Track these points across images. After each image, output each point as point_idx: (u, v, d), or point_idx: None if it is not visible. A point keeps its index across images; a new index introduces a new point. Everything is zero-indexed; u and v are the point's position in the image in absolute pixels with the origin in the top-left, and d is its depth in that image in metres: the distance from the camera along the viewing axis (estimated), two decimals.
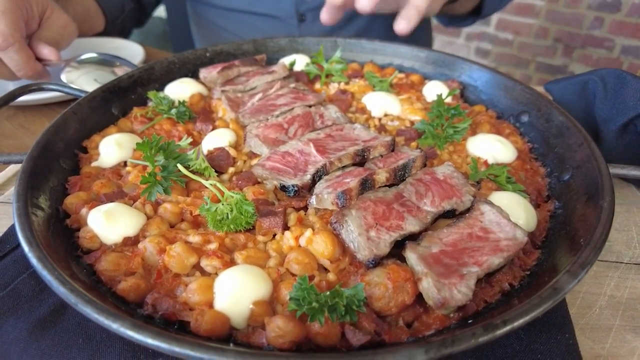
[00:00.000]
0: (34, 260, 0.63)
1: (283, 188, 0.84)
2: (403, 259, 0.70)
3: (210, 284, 0.65)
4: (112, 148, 0.98)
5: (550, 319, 0.68)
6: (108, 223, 0.75)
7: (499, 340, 0.64)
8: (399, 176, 0.84)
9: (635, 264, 0.77)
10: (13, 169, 1.17)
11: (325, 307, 0.61)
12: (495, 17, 3.99)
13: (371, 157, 0.91)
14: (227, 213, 0.75)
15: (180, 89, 1.24)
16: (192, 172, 0.91)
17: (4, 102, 1.12)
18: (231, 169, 0.95)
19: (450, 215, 0.79)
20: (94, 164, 0.97)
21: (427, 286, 0.64)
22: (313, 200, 0.79)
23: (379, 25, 1.97)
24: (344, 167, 0.89)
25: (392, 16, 1.27)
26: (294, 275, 0.70)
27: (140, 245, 0.73)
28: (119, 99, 1.18)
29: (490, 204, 0.77)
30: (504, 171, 0.90)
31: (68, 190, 0.90)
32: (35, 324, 0.69)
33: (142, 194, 0.83)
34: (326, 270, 0.72)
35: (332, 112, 1.07)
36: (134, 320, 0.54)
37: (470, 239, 0.72)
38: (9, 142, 1.34)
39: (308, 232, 0.73)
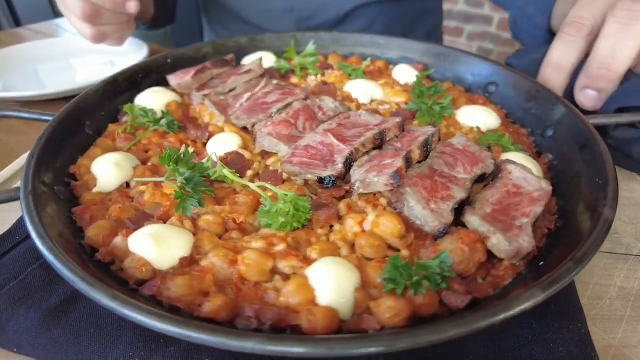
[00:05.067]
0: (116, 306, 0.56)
1: (321, 180, 0.84)
2: (460, 225, 0.76)
3: (306, 282, 0.64)
4: (111, 170, 0.89)
5: (562, 309, 0.70)
6: (159, 247, 0.68)
7: (511, 329, 0.67)
8: (424, 152, 0.89)
9: None
10: (20, 162, 1.17)
11: (421, 279, 0.64)
12: (497, 17, 4.04)
13: (387, 139, 0.95)
14: (287, 212, 0.73)
15: (153, 99, 1.16)
16: (214, 181, 0.87)
17: None
18: (249, 172, 0.92)
19: (481, 180, 0.86)
20: (95, 190, 0.87)
21: (497, 242, 0.71)
22: (358, 186, 0.80)
23: (379, 25, 2.03)
24: (367, 152, 0.92)
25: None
26: (369, 259, 0.71)
27: (204, 263, 0.68)
28: (90, 117, 1.06)
29: (514, 163, 0.86)
30: (506, 135, 1.00)
31: (78, 222, 0.80)
32: (46, 313, 0.69)
33: (177, 210, 0.77)
34: (395, 249, 0.74)
35: (329, 103, 1.09)
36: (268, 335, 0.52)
37: (508, 196, 0.80)
38: (17, 138, 1.37)
39: (371, 216, 0.75)
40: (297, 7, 1.94)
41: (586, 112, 1.03)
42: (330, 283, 0.63)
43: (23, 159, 1.18)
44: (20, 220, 0.90)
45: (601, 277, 0.77)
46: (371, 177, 0.79)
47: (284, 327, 0.60)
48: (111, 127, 1.08)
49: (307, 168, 0.87)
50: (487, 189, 0.81)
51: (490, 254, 0.73)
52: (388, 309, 0.61)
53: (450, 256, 0.69)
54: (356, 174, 0.84)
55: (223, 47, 1.43)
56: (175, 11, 2.18)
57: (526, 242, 0.71)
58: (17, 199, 0.79)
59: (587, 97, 1.10)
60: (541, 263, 0.70)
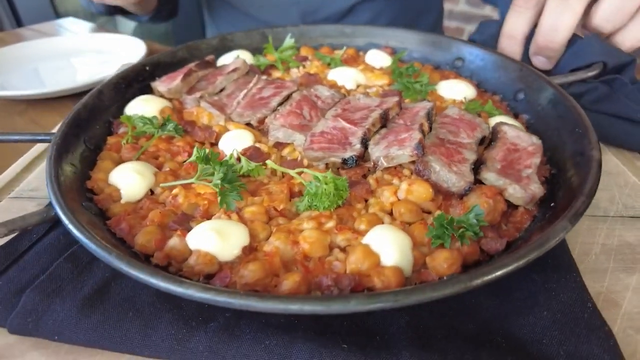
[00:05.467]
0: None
1: (344, 161, 0.90)
2: (477, 183, 0.86)
3: (369, 248, 0.70)
4: (135, 179, 0.89)
5: (557, 263, 0.78)
6: (223, 239, 0.71)
7: (516, 284, 0.75)
8: (429, 124, 0.98)
9: (620, 216, 0.93)
10: (21, 164, 1.18)
11: (464, 231, 0.73)
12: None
13: (390, 117, 1.03)
14: (330, 192, 0.79)
15: (146, 107, 1.14)
16: (242, 175, 0.90)
17: None
18: (269, 163, 0.96)
19: (481, 143, 0.97)
20: (123, 200, 0.86)
21: (514, 191, 0.82)
22: (382, 161, 0.88)
23: (384, 19, 2.08)
24: (377, 131, 0.99)
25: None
26: (409, 223, 0.79)
27: (268, 248, 0.72)
28: (87, 132, 1.04)
29: (507, 124, 0.98)
30: (488, 101, 1.13)
31: (117, 234, 0.80)
32: (82, 302, 0.71)
33: (221, 205, 0.80)
34: (428, 212, 0.83)
35: (324, 91, 1.15)
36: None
37: (509, 152, 0.92)
38: None
39: (404, 185, 0.83)
40: (302, 0, 1.95)
41: (546, 74, 1.18)
42: (391, 245, 0.70)
43: (25, 160, 1.20)
44: None
45: (586, 237, 0.88)
46: (394, 151, 0.87)
47: (361, 290, 0.67)
48: (110, 139, 1.06)
49: (329, 152, 0.93)
50: (491, 149, 0.92)
51: (507, 203, 0.84)
52: (445, 260, 0.70)
53: None
54: (375, 151, 0.91)
55: (196, 49, 1.43)
56: (178, 3, 2.13)
57: (537, 188, 0.82)
58: (52, 219, 0.77)
59: (539, 61, 1.28)
60: (552, 204, 0.82)
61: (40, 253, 0.83)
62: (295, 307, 0.56)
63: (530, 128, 1.10)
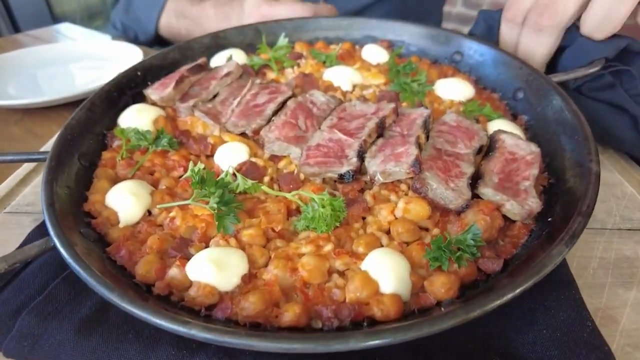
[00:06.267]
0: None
1: (341, 177, 0.90)
2: (474, 197, 0.86)
3: (367, 275, 0.71)
4: (130, 201, 0.88)
5: (557, 279, 0.78)
6: (221, 270, 0.72)
7: (515, 300, 0.71)
8: (425, 134, 0.97)
9: (617, 229, 0.93)
10: (16, 177, 1.18)
11: (462, 253, 0.74)
12: None
13: (387, 125, 1.02)
14: (328, 214, 0.79)
15: (139, 118, 1.12)
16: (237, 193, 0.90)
17: None
18: (266, 178, 0.96)
19: (479, 152, 0.96)
20: (121, 225, 0.86)
21: (511, 207, 0.82)
22: (378, 177, 0.87)
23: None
24: (373, 142, 0.98)
25: None
26: (407, 243, 0.80)
27: (267, 276, 0.73)
28: (80, 148, 1.02)
29: (504, 132, 0.97)
30: (487, 104, 1.11)
31: (117, 261, 0.80)
32: (80, 324, 0.71)
33: (218, 230, 0.80)
34: (425, 229, 0.83)
35: (319, 97, 1.13)
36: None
37: (507, 163, 0.91)
38: (19, 146, 1.41)
39: (401, 204, 0.82)
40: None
41: (547, 72, 1.16)
42: (389, 272, 0.70)
43: (20, 173, 1.20)
44: (29, 237, 0.93)
45: (583, 250, 0.88)
46: (390, 167, 0.86)
47: (360, 321, 0.68)
48: (105, 154, 1.05)
49: (325, 167, 0.92)
50: (489, 160, 0.91)
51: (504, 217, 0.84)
52: (442, 284, 0.70)
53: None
54: (372, 165, 0.91)
55: (188, 49, 1.40)
56: None
57: (534, 203, 0.82)
58: (51, 248, 0.77)
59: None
60: (549, 218, 0.82)
61: (35, 272, 0.83)
62: (298, 346, 0.57)
63: (529, 130, 1.09)
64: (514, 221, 0.84)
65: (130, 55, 1.88)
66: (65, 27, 2.73)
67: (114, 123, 1.15)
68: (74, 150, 1.01)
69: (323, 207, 0.79)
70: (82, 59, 1.96)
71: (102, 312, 0.74)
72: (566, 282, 0.78)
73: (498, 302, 0.62)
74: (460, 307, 0.61)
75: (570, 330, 0.70)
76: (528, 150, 0.94)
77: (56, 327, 0.71)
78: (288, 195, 0.84)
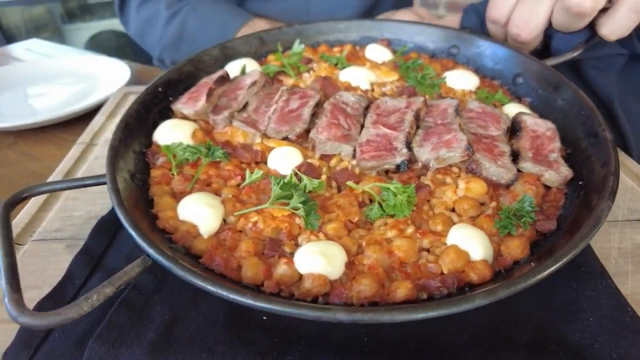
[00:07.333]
0: None
1: (397, 167, 0.99)
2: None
3: (457, 248, 0.81)
4: (208, 212, 0.91)
5: (591, 270, 0.84)
6: (330, 261, 0.78)
7: (557, 291, 0.81)
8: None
9: (628, 220, 1.01)
10: (35, 203, 1.16)
11: (525, 218, 0.86)
12: None
13: (421, 117, 1.12)
14: (406, 200, 0.88)
15: (178, 133, 1.14)
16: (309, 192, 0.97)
17: None
18: (323, 177, 1.03)
19: (506, 132, 1.10)
20: (206, 236, 0.90)
21: (550, 176, 0.96)
22: (432, 163, 0.98)
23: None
24: (414, 133, 1.08)
25: None
26: (473, 217, 0.91)
27: (368, 261, 0.81)
28: (129, 168, 1.03)
29: (524, 113, 1.11)
30: (498, 90, 1.25)
31: (215, 270, 0.84)
32: (150, 347, 0.72)
33: (306, 227, 0.87)
34: (482, 204, 0.95)
35: (349, 97, 1.21)
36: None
37: (533, 140, 1.05)
38: (18, 170, 1.42)
39: (462, 184, 0.93)
40: (312, 10, 2.09)
41: (540, 57, 1.33)
42: (475, 242, 0.81)
43: (38, 201, 1.18)
44: (73, 264, 0.93)
45: (602, 242, 0.94)
46: (443, 153, 0.97)
47: (462, 286, 0.78)
48: (154, 172, 1.06)
49: (380, 160, 1.01)
50: (519, 139, 1.05)
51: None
52: (517, 246, 0.83)
53: None
54: (422, 153, 1.01)
55: (199, 62, 1.41)
56: None
57: (566, 170, 0.97)
58: (149, 267, 0.79)
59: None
60: (580, 182, 0.97)
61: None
62: (433, 313, 0.66)
63: (534, 110, 1.25)
64: (549, 188, 0.99)
65: (115, 70, 1.85)
66: (16, 48, 2.60)
67: (148, 140, 1.16)
68: (124, 171, 1.01)
69: (399, 195, 0.88)
70: (61, 76, 1.96)
71: (169, 335, 0.75)
72: (599, 272, 0.85)
73: (582, 244, 0.73)
74: (550, 259, 0.72)
75: (614, 316, 0.75)
76: (546, 127, 1.09)
77: (126, 352, 0.71)
78: (365, 188, 0.92)
